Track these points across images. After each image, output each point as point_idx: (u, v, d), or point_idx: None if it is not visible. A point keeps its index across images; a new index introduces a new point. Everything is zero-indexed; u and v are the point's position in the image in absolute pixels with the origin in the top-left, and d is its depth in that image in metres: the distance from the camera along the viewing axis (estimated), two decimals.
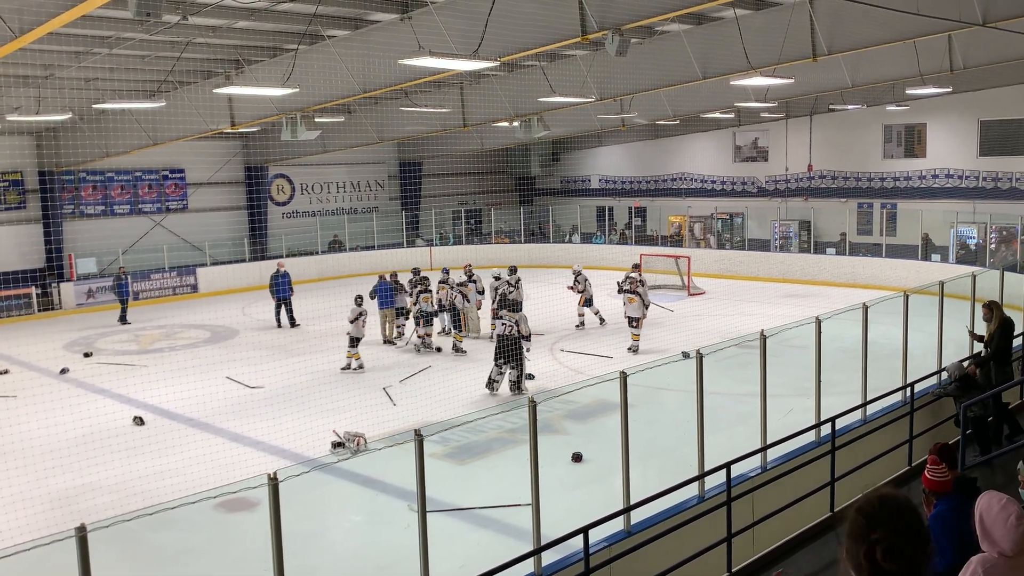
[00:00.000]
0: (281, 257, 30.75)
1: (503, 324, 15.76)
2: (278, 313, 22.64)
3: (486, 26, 12.56)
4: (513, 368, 15.56)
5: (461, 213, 36.06)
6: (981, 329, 11.39)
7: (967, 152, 28.86)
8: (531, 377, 16.28)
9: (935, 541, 4.82)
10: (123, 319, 23.77)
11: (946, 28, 14.64)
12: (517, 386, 15.52)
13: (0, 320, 24.36)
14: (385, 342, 19.90)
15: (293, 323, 22.60)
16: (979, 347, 11.47)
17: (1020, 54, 18.95)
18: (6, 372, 17.99)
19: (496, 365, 15.56)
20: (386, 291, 19.92)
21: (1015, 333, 11.30)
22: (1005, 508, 2.98)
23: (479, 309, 20.49)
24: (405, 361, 18.11)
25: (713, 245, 32.93)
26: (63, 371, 17.87)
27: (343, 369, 17.45)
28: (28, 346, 18.98)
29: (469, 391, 15.00)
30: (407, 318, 20.13)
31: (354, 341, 17.51)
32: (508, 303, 18.99)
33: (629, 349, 18.47)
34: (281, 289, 22.55)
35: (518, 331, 15.55)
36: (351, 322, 17.57)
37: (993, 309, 10.72)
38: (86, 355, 19.41)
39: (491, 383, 15.57)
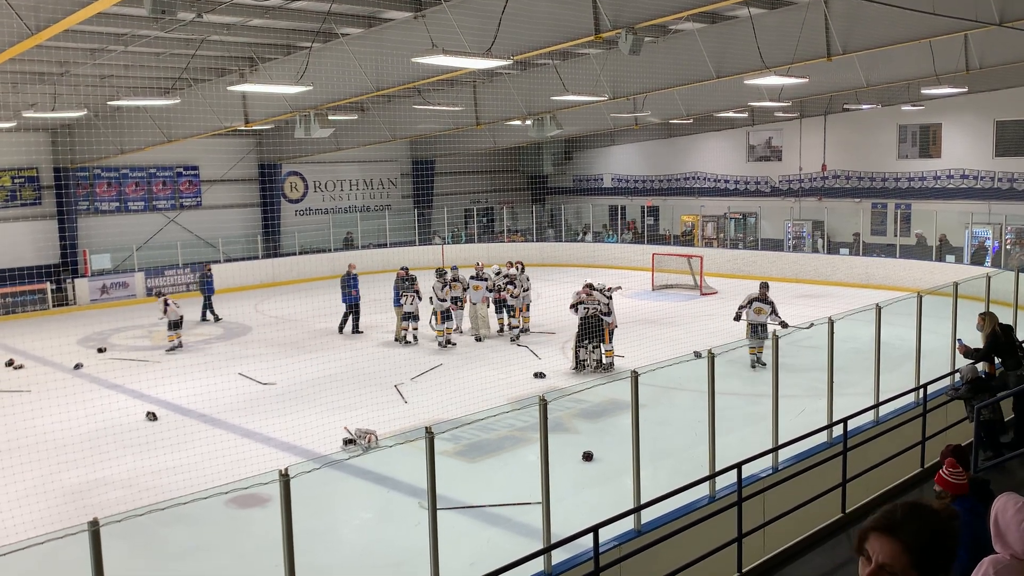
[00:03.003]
0: (293, 255, 30.89)
1: (585, 307, 16.56)
2: (352, 321, 21.03)
3: (499, 24, 12.55)
4: (596, 347, 16.49)
5: (473, 211, 36.07)
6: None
7: (983, 152, 28.67)
8: (542, 376, 16.30)
9: None
10: (211, 316, 23.21)
11: (962, 28, 14.53)
12: (600, 363, 16.47)
13: (15, 315, 24.53)
14: (396, 339, 19.89)
15: (356, 329, 20.92)
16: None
17: None
18: (21, 367, 18.11)
19: (582, 346, 16.47)
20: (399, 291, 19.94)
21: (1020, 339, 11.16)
22: (1021, 511, 2.96)
23: (488, 306, 20.46)
24: (416, 359, 18.13)
25: (726, 245, 32.85)
26: (77, 366, 17.97)
27: (169, 351, 19.18)
28: (42, 341, 19.13)
29: (480, 389, 14.99)
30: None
31: (171, 324, 19.36)
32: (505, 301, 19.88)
33: (601, 368, 16.49)
34: (349, 294, 20.96)
35: (599, 311, 16.54)
36: (164, 312, 19.47)
37: (986, 319, 10.64)
38: (100, 351, 19.50)
39: (580, 363, 16.52)
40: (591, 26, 12.86)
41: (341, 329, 21.10)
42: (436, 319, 19.51)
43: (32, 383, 16.55)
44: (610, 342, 16.76)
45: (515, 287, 19.90)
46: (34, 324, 23.23)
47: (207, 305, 23.41)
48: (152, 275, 27.43)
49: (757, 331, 16.33)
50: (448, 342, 19.28)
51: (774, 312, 16.33)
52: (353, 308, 21.05)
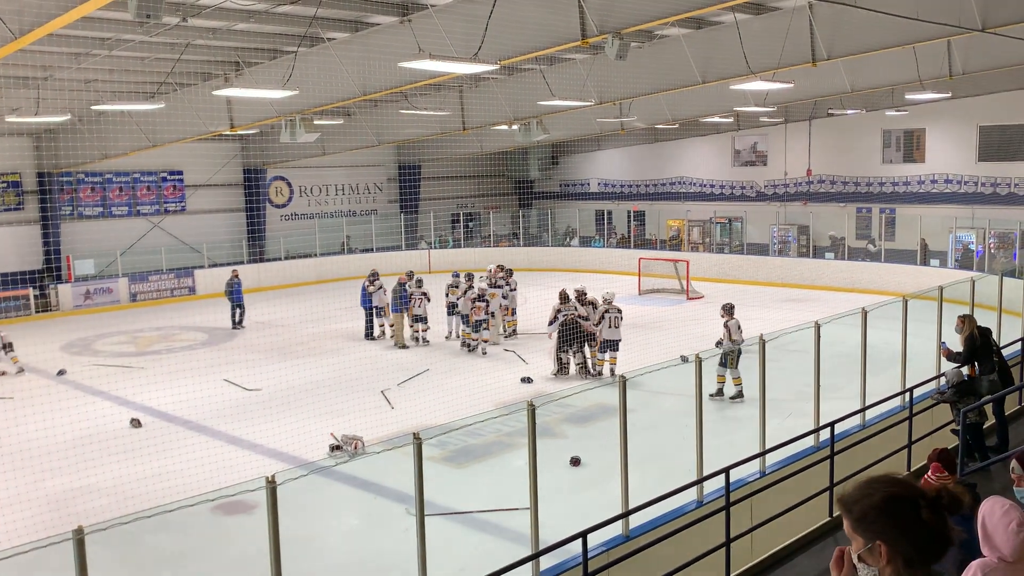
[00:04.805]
0: (279, 260, 30.78)
1: (564, 314, 16.64)
2: (370, 325, 21.05)
3: (486, 29, 12.57)
4: (578, 352, 16.59)
5: (459, 216, 36.03)
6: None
7: (966, 157, 28.91)
8: (529, 381, 16.31)
9: None
10: (239, 323, 22.65)
11: (945, 33, 14.66)
12: (585, 367, 16.58)
13: None
14: (397, 346, 19.80)
15: (369, 334, 21.01)
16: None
17: (1019, 59, 18.98)
18: (3, 374, 17.95)
19: (563, 351, 16.62)
20: (403, 295, 19.81)
21: (999, 343, 11.24)
22: (1007, 514, 2.99)
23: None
24: (403, 364, 18.09)
25: (712, 249, 32.95)
26: (60, 373, 17.84)
27: (17, 373, 17.93)
28: (25, 347, 18.94)
29: (467, 394, 14.98)
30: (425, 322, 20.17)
31: (6, 347, 18.15)
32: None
33: (587, 374, 16.63)
34: (368, 298, 20.90)
35: (579, 316, 16.62)
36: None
37: (965, 321, 10.74)
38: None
39: (562, 368, 16.63)
40: (577, 31, 12.90)
41: (369, 335, 20.90)
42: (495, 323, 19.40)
43: (15, 390, 16.41)
44: (603, 351, 16.55)
45: (484, 302, 19.29)
46: (17, 330, 22.98)
47: (239, 312, 22.80)
48: (136, 280, 27.27)
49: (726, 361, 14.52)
50: (471, 346, 19.16)
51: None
52: (372, 312, 20.97)
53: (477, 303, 19.00)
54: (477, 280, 20.39)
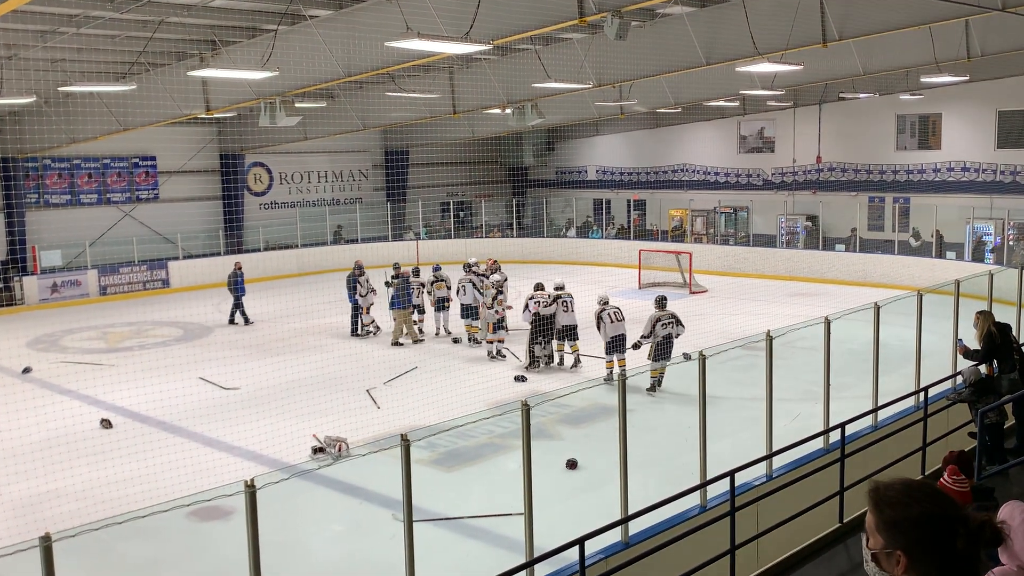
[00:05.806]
0: (258, 251, 30.73)
1: (535, 303, 16.96)
2: (356, 320, 20.98)
3: (478, 7, 12.55)
4: (548, 343, 17.04)
5: (449, 205, 36.04)
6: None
7: (984, 144, 28.97)
8: (523, 379, 16.33)
9: None
10: (240, 319, 22.46)
11: (963, 13, 14.68)
12: (551, 360, 17.13)
13: None
14: (394, 343, 19.70)
15: (355, 331, 20.99)
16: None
17: None
18: None
19: (537, 343, 17.02)
20: (407, 288, 19.71)
21: (1019, 339, 11.28)
22: None
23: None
24: (390, 361, 18.08)
25: (716, 241, 32.99)
26: (26, 370, 17.79)
27: None
28: None
29: (458, 393, 14.99)
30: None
31: None
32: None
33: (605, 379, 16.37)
34: (355, 294, 20.87)
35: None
36: None
37: (982, 316, 10.78)
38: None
39: (534, 361, 17.02)
40: (575, 9, 12.89)
41: (355, 331, 20.86)
42: (488, 326, 18.69)
43: None
44: (608, 353, 16.28)
45: (502, 294, 19.30)
46: None
47: (237, 306, 22.60)
48: (106, 273, 27.20)
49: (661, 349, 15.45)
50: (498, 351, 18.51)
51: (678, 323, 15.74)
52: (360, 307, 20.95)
53: (498, 296, 18.69)
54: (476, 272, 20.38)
